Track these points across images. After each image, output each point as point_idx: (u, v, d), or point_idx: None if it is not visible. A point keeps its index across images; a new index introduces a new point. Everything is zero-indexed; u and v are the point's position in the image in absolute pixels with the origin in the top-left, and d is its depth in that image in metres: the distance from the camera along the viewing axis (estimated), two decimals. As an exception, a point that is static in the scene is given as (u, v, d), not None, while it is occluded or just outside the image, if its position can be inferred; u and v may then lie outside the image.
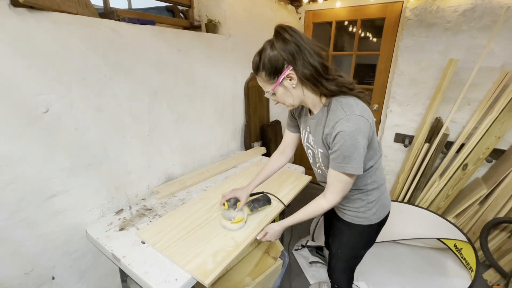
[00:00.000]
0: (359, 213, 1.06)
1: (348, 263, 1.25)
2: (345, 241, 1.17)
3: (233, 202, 1.18)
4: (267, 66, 0.84)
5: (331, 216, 1.28)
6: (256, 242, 1.51)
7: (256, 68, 0.88)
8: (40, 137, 0.98)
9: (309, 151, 1.08)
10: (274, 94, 0.90)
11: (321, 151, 0.96)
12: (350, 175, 0.88)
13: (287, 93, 0.88)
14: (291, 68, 0.82)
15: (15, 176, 0.94)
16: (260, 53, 0.86)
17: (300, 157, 3.23)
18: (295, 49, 0.80)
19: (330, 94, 0.87)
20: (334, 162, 0.88)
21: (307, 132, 1.04)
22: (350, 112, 0.82)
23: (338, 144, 0.83)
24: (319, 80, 0.83)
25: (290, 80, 0.85)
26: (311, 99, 0.90)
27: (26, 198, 0.98)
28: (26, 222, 1.00)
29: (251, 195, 1.26)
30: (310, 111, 0.99)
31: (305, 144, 1.09)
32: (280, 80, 0.85)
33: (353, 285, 1.76)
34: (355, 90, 0.87)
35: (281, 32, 0.81)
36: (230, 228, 1.16)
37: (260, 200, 1.29)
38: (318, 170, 1.10)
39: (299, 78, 0.84)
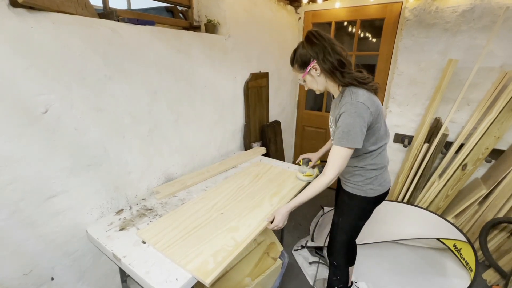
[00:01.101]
0: (358, 186, 1.25)
1: (347, 234, 1.38)
2: (346, 210, 1.34)
3: (306, 161, 1.62)
4: (299, 60, 1.14)
5: (338, 192, 1.46)
6: (256, 243, 1.52)
7: (292, 62, 1.19)
8: (40, 137, 0.98)
9: (331, 129, 1.27)
10: (304, 81, 1.19)
11: (334, 128, 1.17)
12: (347, 150, 1.06)
13: (313, 80, 1.17)
14: (315, 61, 1.09)
15: (15, 176, 0.94)
16: (295, 51, 1.16)
17: (299, 157, 3.23)
18: (319, 49, 1.07)
19: (344, 84, 1.10)
20: (336, 138, 1.08)
21: (330, 114, 1.27)
22: (355, 99, 1.03)
23: (340, 122, 1.06)
24: (335, 72, 1.08)
25: (315, 70, 1.12)
26: (332, 87, 1.17)
27: (26, 198, 0.98)
28: (26, 222, 1.00)
29: (322, 161, 1.58)
30: (333, 97, 1.25)
31: (329, 123, 1.30)
32: (308, 70, 1.13)
33: (353, 285, 1.77)
34: (367, 85, 1.08)
35: (310, 36, 1.09)
36: (302, 179, 1.60)
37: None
38: None
39: (321, 69, 1.10)
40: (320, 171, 1.57)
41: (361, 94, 1.04)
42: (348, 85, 1.09)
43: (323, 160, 1.55)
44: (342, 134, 1.04)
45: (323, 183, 1.11)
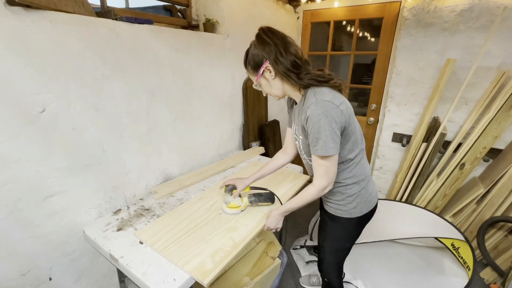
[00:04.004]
0: (340, 206, 1.11)
1: (334, 255, 1.29)
2: (329, 233, 1.23)
3: (230, 188, 1.30)
4: (251, 61, 1.00)
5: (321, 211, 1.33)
6: (255, 242, 1.52)
7: (245, 63, 1.04)
8: (38, 137, 0.97)
9: (296, 142, 1.13)
10: (260, 85, 1.05)
11: (301, 138, 1.04)
12: (325, 158, 0.94)
13: (268, 84, 1.02)
14: (268, 62, 0.95)
15: (12, 176, 0.93)
16: (247, 51, 1.02)
17: (298, 157, 3.23)
18: (270, 49, 0.94)
19: (304, 86, 0.97)
20: (311, 147, 0.95)
21: (294, 124, 1.11)
22: (320, 98, 0.91)
23: (309, 128, 0.92)
24: (289, 74, 0.95)
25: (270, 72, 0.98)
26: (291, 91, 1.02)
27: (23, 199, 0.97)
28: (23, 223, 0.99)
29: (255, 188, 1.37)
30: (295, 103, 1.09)
31: (293, 136, 1.15)
32: (261, 72, 0.99)
33: (350, 285, 1.77)
34: (329, 82, 0.95)
35: (260, 33, 0.96)
36: (225, 211, 1.27)
37: (262, 196, 1.33)
38: (304, 161, 1.15)
39: (275, 71, 0.97)
40: (250, 201, 1.30)
41: (326, 92, 0.92)
42: (309, 86, 0.96)
43: (255, 187, 1.36)
44: (314, 141, 0.92)
45: (312, 192, 1.02)
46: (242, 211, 1.28)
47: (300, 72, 0.95)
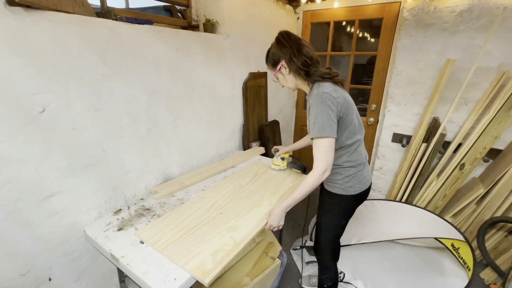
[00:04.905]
0: (337, 184, 1.27)
1: (330, 233, 1.40)
2: (327, 209, 1.36)
3: (276, 150, 1.81)
4: (271, 59, 1.22)
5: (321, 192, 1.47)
6: (255, 242, 1.52)
7: (266, 60, 1.27)
8: (38, 137, 0.97)
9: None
10: (277, 78, 1.28)
11: (308, 123, 1.19)
12: (322, 139, 1.06)
13: (284, 78, 1.24)
14: (284, 61, 1.17)
15: (12, 176, 0.93)
16: (269, 50, 1.24)
17: (298, 156, 3.23)
18: (286, 50, 1.15)
19: (311, 81, 1.17)
20: (311, 131, 1.11)
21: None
22: (321, 90, 1.09)
23: (310, 114, 1.11)
24: (299, 72, 1.16)
25: (285, 69, 1.19)
26: (302, 84, 1.23)
27: (23, 199, 0.97)
28: (23, 223, 0.99)
29: (294, 157, 1.85)
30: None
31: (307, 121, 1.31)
32: (278, 68, 1.21)
33: (350, 285, 1.77)
34: (333, 79, 1.13)
35: (279, 37, 1.18)
36: (271, 167, 1.79)
37: (296, 163, 1.73)
38: (311, 142, 1.28)
39: (289, 69, 1.18)
40: (286, 164, 1.75)
41: (327, 86, 1.10)
42: (315, 81, 1.15)
43: (295, 157, 1.81)
44: (313, 125, 1.07)
45: (313, 177, 1.10)
46: (281, 169, 1.75)
47: (309, 70, 1.14)
